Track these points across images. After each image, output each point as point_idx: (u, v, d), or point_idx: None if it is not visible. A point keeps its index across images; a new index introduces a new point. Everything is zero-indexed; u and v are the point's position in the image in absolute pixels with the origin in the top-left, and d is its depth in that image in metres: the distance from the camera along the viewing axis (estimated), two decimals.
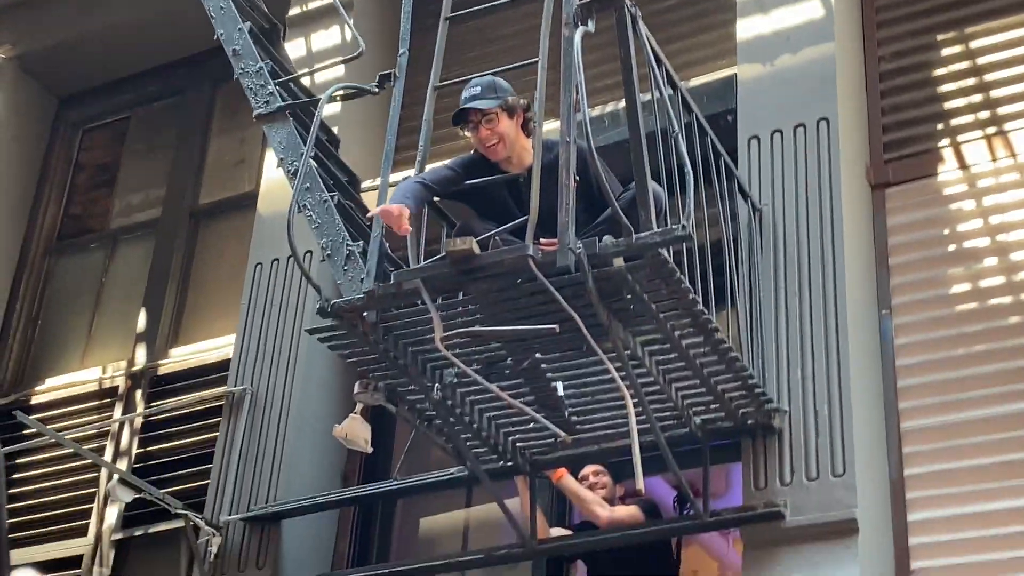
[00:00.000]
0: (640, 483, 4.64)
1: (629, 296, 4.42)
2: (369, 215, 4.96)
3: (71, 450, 7.10)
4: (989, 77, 6.07)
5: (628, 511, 5.78)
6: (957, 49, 6.20)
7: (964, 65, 6.15)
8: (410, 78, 5.22)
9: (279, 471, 6.47)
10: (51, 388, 8.18)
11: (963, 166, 5.94)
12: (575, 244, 4.22)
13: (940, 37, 6.26)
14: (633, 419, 4.52)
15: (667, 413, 5.16)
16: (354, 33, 6.31)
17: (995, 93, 6.03)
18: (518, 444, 5.45)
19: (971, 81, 6.11)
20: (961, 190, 5.91)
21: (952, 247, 5.83)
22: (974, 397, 5.48)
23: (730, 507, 5.66)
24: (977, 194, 5.87)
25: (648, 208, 4.34)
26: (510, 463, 5.51)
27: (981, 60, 6.12)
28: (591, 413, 5.24)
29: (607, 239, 4.30)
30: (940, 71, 6.20)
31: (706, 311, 4.67)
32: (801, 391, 5.36)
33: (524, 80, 4.94)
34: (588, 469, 5.89)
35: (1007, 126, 5.93)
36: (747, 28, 6.26)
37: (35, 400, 8.10)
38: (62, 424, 7.78)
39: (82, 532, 7.52)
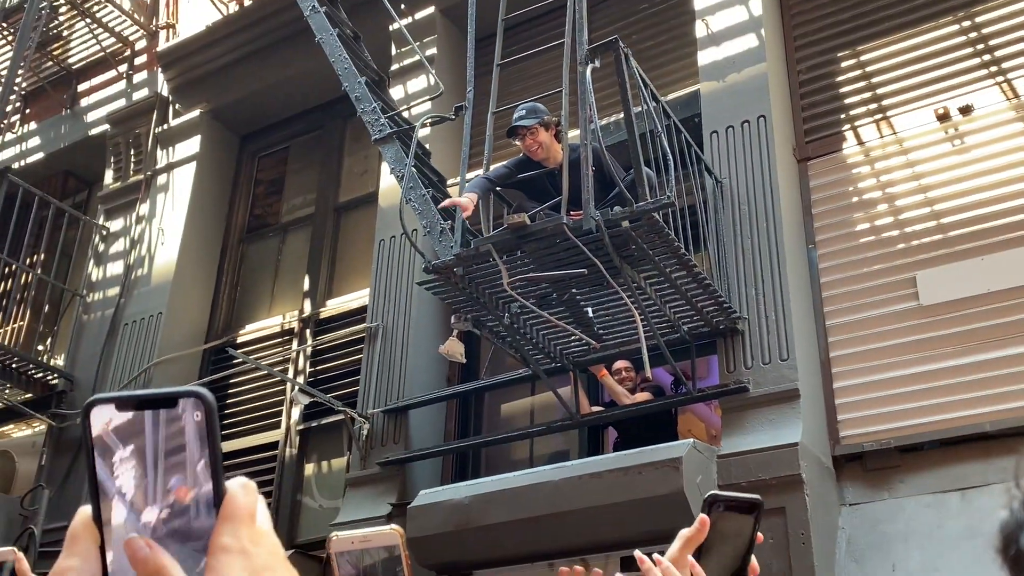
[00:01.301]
0: (648, 372, 4.65)
1: (634, 247, 4.42)
2: (441, 205, 5.01)
3: (265, 371, 7.21)
4: (875, 80, 5.97)
5: (643, 397, 5.79)
6: (852, 62, 6.10)
7: (858, 73, 6.06)
8: (475, 107, 5.22)
9: (405, 378, 6.54)
10: (249, 331, 8.29)
11: (860, 143, 5.86)
12: (595, 213, 4.23)
13: (840, 55, 6.16)
14: (641, 329, 4.53)
15: (664, 324, 5.16)
16: (435, 79, 6.31)
17: (880, 91, 5.93)
18: (564, 351, 5.48)
19: (863, 83, 6.01)
20: (860, 159, 5.84)
21: (855, 199, 5.77)
22: (874, 300, 5.44)
23: (711, 385, 5.67)
24: (871, 161, 5.80)
25: (643, 186, 4.33)
26: (559, 364, 5.54)
27: (870, 68, 6.02)
28: (612, 327, 5.26)
29: (616, 208, 4.30)
30: (841, 78, 6.10)
31: (687, 253, 4.66)
32: (756, 304, 5.34)
33: (554, 102, 4.93)
34: (620, 364, 5.91)
35: (889, 113, 5.84)
36: (705, 56, 6.19)
37: (240, 339, 8.23)
38: (258, 354, 7.90)
39: (276, 426, 7.65)
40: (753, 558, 1.36)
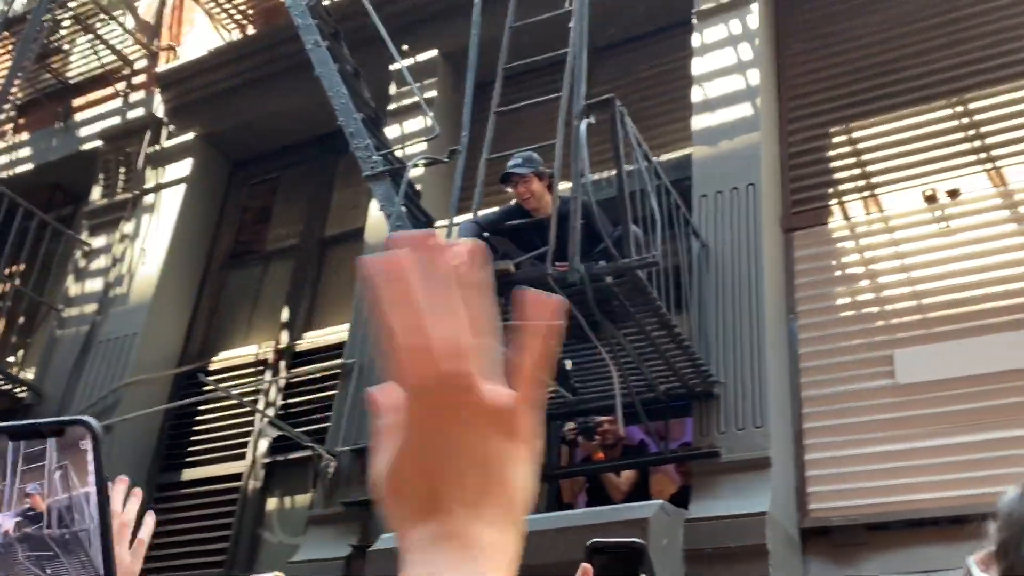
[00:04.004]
0: (622, 429, 4.62)
1: (616, 302, 4.42)
2: None
3: (235, 401, 7.14)
4: (865, 157, 6.04)
5: (629, 478, 5.70)
6: (843, 138, 6.17)
7: (849, 149, 6.12)
8: (469, 152, 5.24)
9: None
10: (223, 359, 8.21)
11: (846, 217, 5.91)
12: (580, 266, 4.22)
13: (832, 130, 6.23)
14: (617, 386, 4.51)
15: (640, 383, 5.14)
16: (432, 121, 6.34)
17: (870, 168, 5.99)
18: None
19: (853, 160, 6.07)
20: (845, 234, 5.88)
21: (838, 272, 5.80)
22: (851, 375, 5.45)
23: (682, 446, 5.64)
24: (856, 236, 5.84)
25: (630, 243, 4.34)
26: None
27: (861, 146, 6.08)
28: (589, 381, 5.23)
29: (601, 263, 4.30)
30: (831, 153, 6.17)
31: (668, 314, 4.66)
32: (733, 369, 5.33)
33: (548, 153, 4.95)
34: (604, 419, 5.86)
35: (877, 191, 5.89)
36: (699, 121, 6.25)
37: (213, 366, 8.14)
38: (230, 383, 7.82)
39: (242, 456, 7.56)
40: None
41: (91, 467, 0.66)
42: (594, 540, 1.33)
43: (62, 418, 0.66)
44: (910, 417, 5.20)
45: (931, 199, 5.68)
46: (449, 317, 0.60)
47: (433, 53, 7.76)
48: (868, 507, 5.09)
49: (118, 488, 1.36)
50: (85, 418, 0.65)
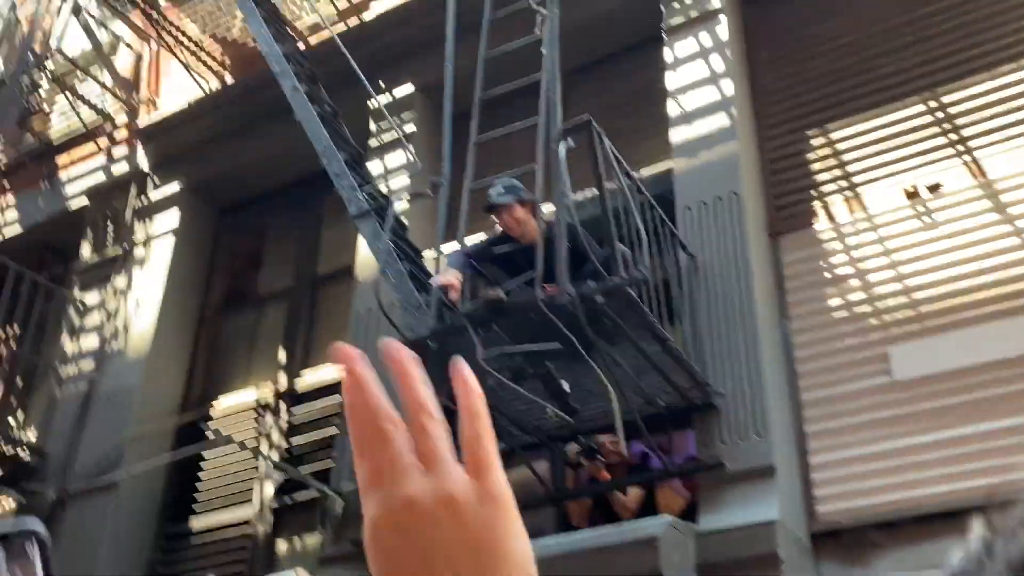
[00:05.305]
0: (623, 447, 4.60)
1: (608, 321, 4.41)
2: (431, 282, 4.97)
3: (238, 446, 7.10)
4: (845, 157, 6.05)
5: (635, 496, 5.65)
6: (821, 140, 6.19)
7: (826, 150, 6.14)
8: (452, 181, 5.24)
9: None
10: (224, 405, 8.18)
11: (831, 218, 5.92)
12: (569, 288, 4.22)
13: (808, 133, 6.25)
14: (616, 404, 4.49)
15: (639, 399, 5.12)
16: (413, 156, 6.35)
17: (850, 168, 6.00)
18: (539, 426, 5.42)
19: (833, 161, 6.09)
20: (831, 235, 5.88)
21: (827, 274, 5.80)
22: (848, 375, 5.43)
23: (687, 459, 5.61)
24: (842, 237, 5.84)
25: (618, 261, 4.34)
26: (535, 439, 5.48)
27: (839, 146, 6.10)
28: (588, 401, 5.21)
29: (591, 283, 4.30)
30: (811, 156, 6.19)
31: (661, 328, 4.65)
32: (731, 379, 5.32)
33: (530, 177, 4.95)
34: (605, 438, 5.83)
35: (859, 190, 5.91)
36: (677, 135, 6.26)
37: (213, 413, 8.11)
38: (232, 428, 7.78)
39: (248, 501, 7.51)
40: None
41: (39, 573, 0.65)
42: None
43: (8, 523, 0.66)
44: (910, 413, 5.18)
45: (912, 194, 5.69)
46: (393, 441, 0.64)
47: (409, 88, 7.78)
48: (876, 506, 5.06)
49: None
50: (30, 525, 0.64)
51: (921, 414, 5.15)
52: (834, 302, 5.69)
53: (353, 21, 8.30)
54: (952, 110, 5.84)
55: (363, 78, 6.32)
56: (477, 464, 0.64)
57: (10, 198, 10.34)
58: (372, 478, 0.62)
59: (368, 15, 8.28)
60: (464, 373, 0.67)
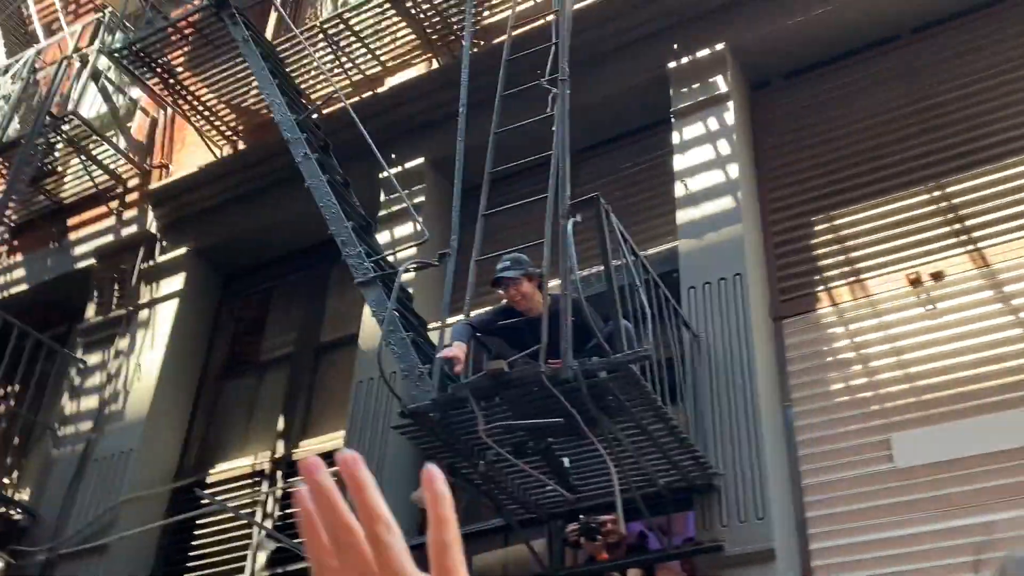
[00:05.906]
0: (622, 526, 4.55)
1: (611, 397, 4.40)
2: (437, 354, 4.97)
3: (232, 514, 7.02)
4: (848, 243, 6.10)
5: None
6: (825, 226, 6.24)
7: (830, 236, 6.19)
8: (459, 255, 5.27)
9: None
10: (220, 471, 8.11)
11: (834, 304, 5.93)
12: (573, 363, 4.22)
13: (813, 218, 6.31)
14: (616, 482, 4.45)
15: (640, 478, 5.08)
16: (421, 226, 6.40)
17: (853, 254, 6.04)
18: (539, 502, 5.37)
19: (837, 247, 6.13)
20: (834, 320, 5.89)
21: (830, 358, 5.79)
22: (850, 461, 5.39)
23: (686, 541, 5.54)
24: (845, 322, 5.85)
25: (622, 338, 4.34)
26: (533, 515, 5.42)
27: (843, 232, 6.15)
28: (588, 478, 5.17)
29: (595, 359, 4.29)
30: (815, 241, 6.23)
31: (664, 406, 4.63)
32: (732, 461, 5.28)
33: (537, 251, 4.99)
34: (607, 518, 5.75)
35: (862, 276, 5.94)
36: (683, 215, 6.32)
37: (209, 479, 8.04)
38: (227, 495, 7.70)
39: (241, 571, 7.39)
40: None
41: None
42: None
43: None
44: (912, 501, 5.13)
45: (915, 281, 5.72)
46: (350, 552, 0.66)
47: (419, 161, 7.87)
48: None
49: None
50: None
51: (922, 502, 5.11)
52: (836, 387, 5.67)
53: (367, 94, 8.44)
54: (956, 200, 5.90)
55: (375, 149, 6.41)
56: (443, 572, 0.65)
57: (19, 256, 10.40)
58: None
59: (382, 89, 8.42)
60: (435, 479, 0.67)
